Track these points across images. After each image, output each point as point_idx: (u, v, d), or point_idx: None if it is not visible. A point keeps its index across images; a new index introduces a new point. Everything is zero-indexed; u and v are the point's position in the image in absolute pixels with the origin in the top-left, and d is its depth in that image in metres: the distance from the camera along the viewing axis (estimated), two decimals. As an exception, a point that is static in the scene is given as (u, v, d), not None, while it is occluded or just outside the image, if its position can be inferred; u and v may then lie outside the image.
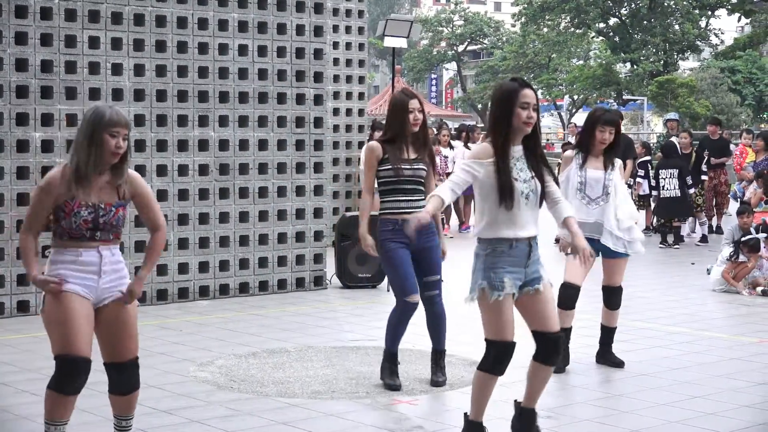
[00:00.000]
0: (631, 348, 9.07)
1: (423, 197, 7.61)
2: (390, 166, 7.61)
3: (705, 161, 18.87)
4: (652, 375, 8.16)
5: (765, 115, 53.60)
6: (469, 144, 20.54)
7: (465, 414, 6.13)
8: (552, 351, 6.09)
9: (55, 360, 5.48)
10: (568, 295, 8.20)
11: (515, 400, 6.28)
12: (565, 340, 8.21)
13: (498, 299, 5.89)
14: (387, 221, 7.63)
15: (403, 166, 7.63)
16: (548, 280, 6.06)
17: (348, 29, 17.65)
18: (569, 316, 8.31)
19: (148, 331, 9.40)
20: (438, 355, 7.91)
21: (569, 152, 8.61)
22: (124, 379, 5.64)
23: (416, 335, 9.84)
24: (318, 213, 12.71)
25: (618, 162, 8.40)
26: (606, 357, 8.55)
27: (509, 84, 5.93)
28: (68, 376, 5.44)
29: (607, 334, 8.61)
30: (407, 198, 7.66)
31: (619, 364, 8.42)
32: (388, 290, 12.57)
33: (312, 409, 7.13)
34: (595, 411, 7.14)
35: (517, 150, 5.88)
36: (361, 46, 17.92)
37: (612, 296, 8.51)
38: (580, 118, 60.80)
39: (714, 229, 19.33)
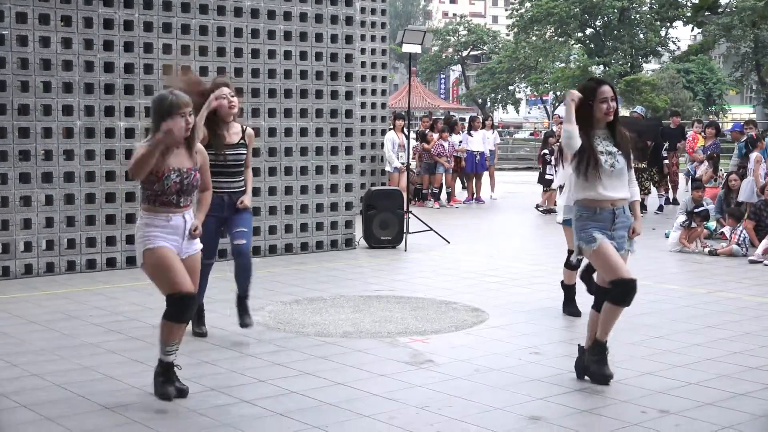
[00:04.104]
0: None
1: (242, 178, 7.20)
2: (214, 151, 6.96)
3: (664, 147, 18.75)
4: (621, 320, 8.13)
5: (713, 108, 53.13)
6: (471, 132, 20.46)
7: (595, 340, 6.07)
8: (626, 294, 5.99)
9: (168, 297, 5.51)
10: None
11: (579, 345, 6.23)
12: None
13: (593, 248, 5.88)
14: None
15: (227, 152, 7.08)
16: (631, 250, 6.18)
17: (373, 38, 17.58)
18: (574, 275, 8.39)
19: (212, 282, 9.43)
20: (241, 301, 7.32)
21: None
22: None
23: (428, 286, 9.86)
24: (349, 187, 12.69)
25: None
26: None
27: (588, 83, 6.02)
28: (181, 307, 5.49)
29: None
30: (230, 179, 7.13)
31: (576, 314, 8.30)
32: (406, 250, 12.59)
33: (343, 346, 7.15)
34: (573, 348, 7.12)
35: (601, 132, 5.95)
36: (383, 52, 17.85)
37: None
38: (562, 110, 60.46)
39: (670, 200, 19.24)
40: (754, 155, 14.48)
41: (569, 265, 8.37)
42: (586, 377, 6.14)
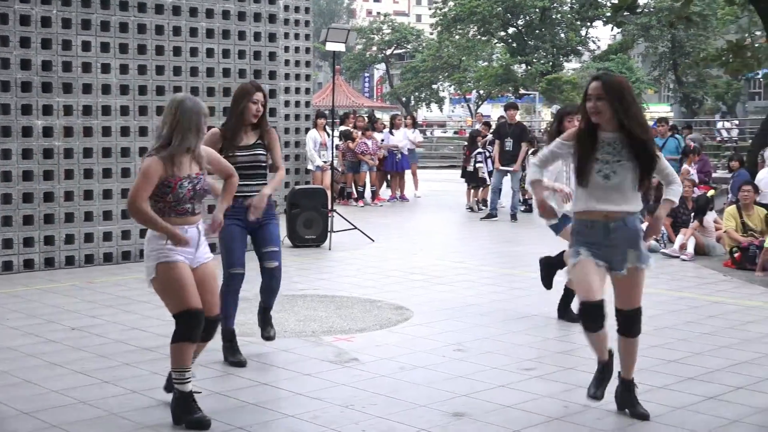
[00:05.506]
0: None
1: (264, 181, 6.63)
2: (228, 154, 6.53)
3: None
4: (535, 318, 8.24)
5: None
6: (393, 130, 20.53)
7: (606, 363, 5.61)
8: (629, 324, 5.42)
9: (177, 317, 5.21)
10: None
11: (618, 372, 5.60)
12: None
13: (574, 264, 5.37)
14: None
15: (238, 153, 6.58)
16: (639, 265, 5.37)
17: (296, 36, 17.56)
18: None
19: (135, 284, 9.33)
20: (264, 312, 6.97)
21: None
22: (211, 331, 5.50)
23: (352, 285, 9.86)
24: (272, 186, 12.62)
25: None
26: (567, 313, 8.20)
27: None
28: (192, 326, 5.22)
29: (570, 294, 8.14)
30: (246, 183, 6.49)
31: (575, 319, 7.84)
32: (330, 249, 12.58)
33: (267, 345, 7.10)
34: (497, 345, 7.21)
35: (609, 136, 5.27)
36: (307, 50, 17.83)
37: None
38: (485, 108, 61.06)
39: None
40: (684, 167, 15.31)
41: None
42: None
